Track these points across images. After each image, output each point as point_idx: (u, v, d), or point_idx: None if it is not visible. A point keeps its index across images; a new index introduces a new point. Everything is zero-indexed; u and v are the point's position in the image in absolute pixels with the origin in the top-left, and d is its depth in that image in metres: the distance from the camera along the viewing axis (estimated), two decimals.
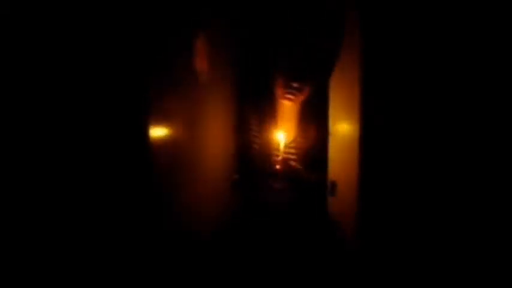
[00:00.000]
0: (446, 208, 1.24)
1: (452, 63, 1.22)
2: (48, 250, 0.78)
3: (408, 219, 1.27)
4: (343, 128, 1.64)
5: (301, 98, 2.14)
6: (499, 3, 1.18)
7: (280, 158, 2.11)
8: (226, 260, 1.95)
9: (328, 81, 1.98)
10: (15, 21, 0.64)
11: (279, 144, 2.10)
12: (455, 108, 1.22)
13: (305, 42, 2.16)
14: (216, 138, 1.76)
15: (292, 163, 2.13)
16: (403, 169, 1.26)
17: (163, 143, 1.14)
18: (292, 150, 2.19)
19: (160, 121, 1.12)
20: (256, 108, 2.28)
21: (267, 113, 2.26)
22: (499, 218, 1.21)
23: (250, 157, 2.26)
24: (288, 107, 2.20)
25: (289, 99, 2.13)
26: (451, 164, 1.23)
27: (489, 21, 1.19)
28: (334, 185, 1.82)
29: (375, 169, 1.28)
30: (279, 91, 2.16)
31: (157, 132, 1.09)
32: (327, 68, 1.97)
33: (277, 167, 2.11)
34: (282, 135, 2.12)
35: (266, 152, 2.19)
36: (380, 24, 1.27)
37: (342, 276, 1.70)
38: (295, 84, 2.09)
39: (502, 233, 1.20)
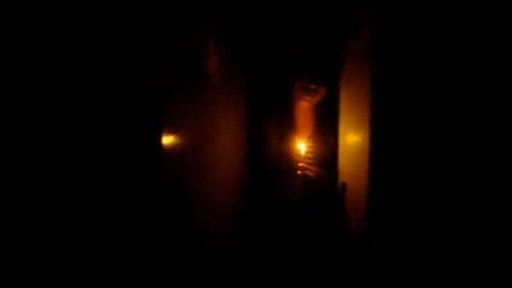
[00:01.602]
0: (457, 211, 1.22)
1: (466, 65, 1.19)
2: (57, 249, 0.80)
3: (417, 222, 1.25)
4: (353, 131, 1.62)
5: (317, 99, 2.15)
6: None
7: (301, 160, 2.10)
8: (238, 261, 1.98)
9: (339, 83, 1.97)
10: (16, 21, 0.65)
11: (298, 148, 2.10)
12: (466, 110, 1.19)
13: (316, 42, 2.17)
14: (228, 139, 1.78)
15: (311, 167, 2.12)
16: (413, 173, 1.24)
17: (173, 144, 1.17)
18: (309, 150, 2.18)
19: (170, 122, 1.14)
20: (271, 110, 2.29)
21: (283, 114, 2.26)
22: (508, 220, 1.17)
23: (266, 158, 2.27)
24: (304, 108, 2.21)
25: (307, 100, 2.14)
26: (462, 167, 1.21)
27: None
28: (344, 187, 1.81)
29: (385, 172, 1.27)
30: (297, 93, 2.18)
31: (168, 134, 1.11)
32: (332, 69, 1.99)
33: (299, 169, 2.09)
34: (302, 143, 2.12)
35: (283, 153, 2.18)
36: (392, 25, 1.24)
37: (351, 276, 1.70)
38: (312, 86, 2.11)
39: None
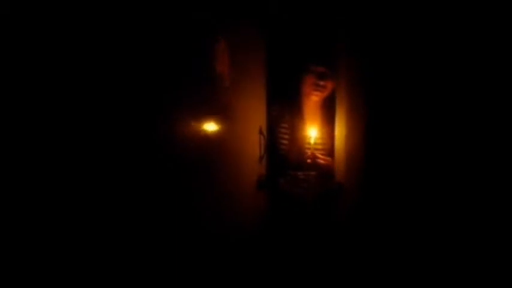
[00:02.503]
0: (453, 211, 1.22)
1: (462, 65, 1.20)
2: (69, 246, 0.81)
3: (413, 221, 1.26)
4: (348, 130, 1.65)
5: (326, 94, 2.28)
6: None
7: (310, 151, 2.21)
8: (255, 257, 2.02)
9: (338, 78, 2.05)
10: (16, 21, 0.63)
11: (309, 139, 2.20)
12: (462, 110, 1.20)
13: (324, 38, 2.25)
14: (243, 138, 1.83)
15: (321, 155, 2.24)
16: (408, 172, 1.25)
17: (187, 142, 1.21)
18: (319, 141, 2.30)
19: (185, 122, 1.19)
20: (285, 106, 2.41)
21: (295, 110, 2.39)
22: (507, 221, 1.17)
23: (280, 154, 2.34)
24: (314, 104, 2.36)
25: (317, 95, 2.27)
26: (459, 167, 1.21)
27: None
28: (340, 187, 1.86)
29: (379, 171, 1.29)
30: (307, 89, 2.30)
31: (182, 133, 1.15)
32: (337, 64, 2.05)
33: (308, 160, 2.20)
34: (313, 131, 2.21)
35: (297, 147, 2.30)
36: (385, 25, 1.26)
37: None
38: (321, 83, 2.21)
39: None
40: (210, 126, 1.43)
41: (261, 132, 2.08)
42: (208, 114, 1.43)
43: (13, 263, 0.69)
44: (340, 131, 1.92)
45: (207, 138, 1.40)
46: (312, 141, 2.20)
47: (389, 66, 1.26)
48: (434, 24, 1.19)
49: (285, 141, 2.37)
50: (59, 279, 0.77)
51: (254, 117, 2.04)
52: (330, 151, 2.27)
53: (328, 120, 2.30)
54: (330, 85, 2.22)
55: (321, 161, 2.21)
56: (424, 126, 1.24)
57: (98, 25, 0.86)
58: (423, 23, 1.22)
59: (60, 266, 0.78)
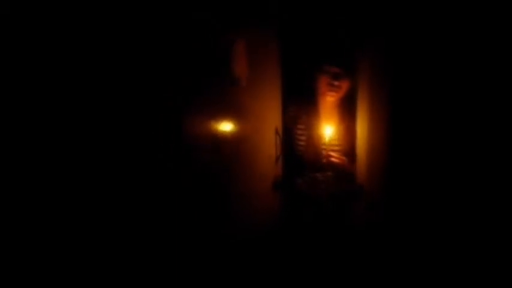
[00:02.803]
0: (477, 213, 1.18)
1: (492, 64, 1.16)
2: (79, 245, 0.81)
3: (435, 223, 1.23)
4: (370, 131, 1.63)
5: (341, 94, 2.27)
6: None
7: (325, 151, 2.21)
8: (270, 258, 2.01)
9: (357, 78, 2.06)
10: (16, 21, 0.63)
11: (325, 138, 2.20)
12: (491, 110, 1.17)
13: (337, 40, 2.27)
14: (259, 138, 1.82)
15: (336, 155, 2.23)
16: (431, 172, 1.22)
17: (203, 142, 1.21)
18: (335, 143, 2.28)
19: (200, 122, 1.19)
20: (301, 107, 2.41)
21: (311, 110, 2.39)
22: None
23: (297, 154, 2.34)
24: (329, 104, 2.35)
25: (332, 95, 2.26)
26: (490, 171, 1.17)
27: None
28: (361, 189, 1.85)
29: (403, 172, 1.26)
30: (322, 89, 2.29)
31: (197, 132, 1.16)
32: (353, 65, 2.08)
33: (324, 159, 2.20)
34: (329, 129, 2.20)
35: (313, 147, 2.29)
36: (409, 23, 1.23)
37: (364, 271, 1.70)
38: (336, 83, 2.20)
39: None
40: (227, 127, 1.44)
41: (277, 133, 2.08)
42: (226, 115, 1.43)
43: (13, 263, 0.70)
44: (361, 132, 1.91)
45: (224, 138, 1.40)
46: (327, 140, 2.20)
47: (413, 66, 1.23)
48: (457, 23, 1.17)
49: (301, 142, 2.37)
50: (70, 279, 0.79)
51: (270, 118, 2.04)
52: (346, 151, 2.27)
53: (345, 120, 2.31)
54: (345, 85, 2.22)
55: (336, 160, 2.21)
56: (450, 126, 1.21)
57: (116, 24, 0.87)
58: (446, 20, 1.19)
59: (75, 263, 0.79)
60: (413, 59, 1.22)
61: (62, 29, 0.74)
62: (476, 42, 1.16)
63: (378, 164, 1.39)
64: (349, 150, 2.26)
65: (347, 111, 2.29)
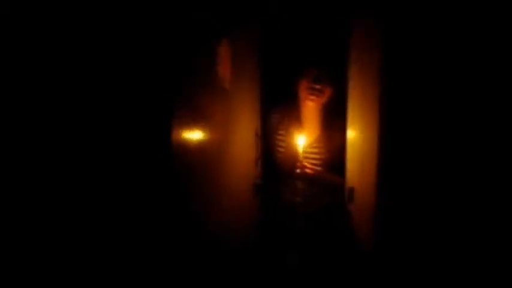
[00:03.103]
0: (470, 216, 1.19)
1: (480, 65, 1.16)
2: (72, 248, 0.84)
3: (428, 228, 1.23)
4: (361, 133, 1.63)
5: (323, 99, 2.13)
6: None
7: (300, 159, 2.11)
8: (251, 262, 1.99)
9: (346, 83, 1.98)
10: (16, 21, 0.65)
11: (300, 147, 2.11)
12: (480, 110, 1.17)
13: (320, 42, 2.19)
14: (239, 142, 1.79)
15: (311, 165, 2.14)
16: (424, 176, 1.22)
17: (185, 146, 1.18)
18: (316, 151, 2.19)
19: (182, 125, 1.15)
20: (281, 112, 2.32)
21: (291, 115, 2.28)
22: None
23: (276, 160, 2.29)
24: (311, 109, 2.21)
25: (312, 100, 2.12)
26: (476, 170, 1.18)
27: None
28: (352, 191, 1.82)
29: (394, 175, 1.25)
30: (302, 93, 2.17)
31: (179, 134, 1.12)
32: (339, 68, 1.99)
33: (297, 169, 2.11)
34: (303, 138, 2.12)
35: (291, 154, 2.18)
36: (403, 22, 1.20)
37: (358, 279, 1.70)
38: (317, 86, 2.07)
39: None
40: (209, 128, 1.40)
41: (256, 134, 2.05)
42: (208, 117, 1.40)
43: (13, 263, 0.73)
44: (352, 134, 1.88)
45: (205, 140, 1.37)
46: (303, 149, 2.10)
47: (406, 67, 1.20)
48: (456, 21, 1.14)
49: (281, 149, 2.26)
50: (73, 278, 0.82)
51: (250, 120, 2.01)
52: (328, 160, 2.17)
53: (331, 127, 2.19)
54: (327, 89, 2.08)
55: (309, 171, 2.11)
56: (446, 128, 1.19)
57: (104, 24, 0.87)
58: (442, 20, 1.17)
59: (78, 262, 0.84)
60: (411, 58, 1.19)
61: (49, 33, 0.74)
62: (472, 52, 1.15)
63: (370, 165, 1.39)
64: (332, 159, 2.16)
65: (333, 117, 2.15)
